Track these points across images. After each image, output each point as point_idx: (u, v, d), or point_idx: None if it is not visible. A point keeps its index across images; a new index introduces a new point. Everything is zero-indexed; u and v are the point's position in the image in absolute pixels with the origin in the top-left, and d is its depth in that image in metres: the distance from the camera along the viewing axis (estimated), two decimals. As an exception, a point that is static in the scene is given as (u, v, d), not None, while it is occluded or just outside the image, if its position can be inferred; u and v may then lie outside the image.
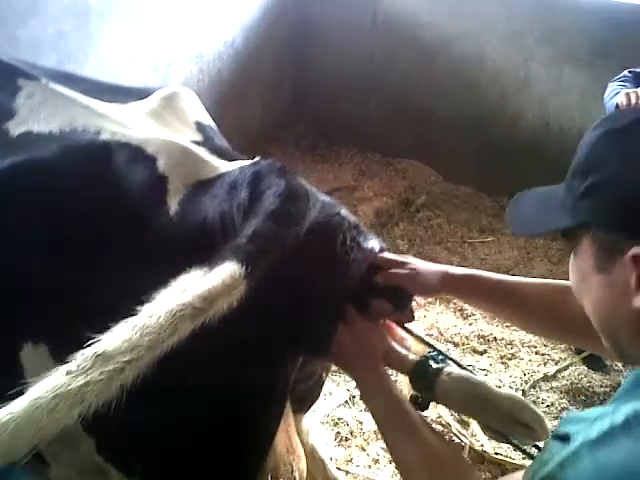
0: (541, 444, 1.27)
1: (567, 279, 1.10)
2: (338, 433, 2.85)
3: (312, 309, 1.24)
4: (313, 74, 5.48)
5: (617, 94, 2.99)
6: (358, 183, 4.96)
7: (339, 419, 2.91)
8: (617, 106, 2.94)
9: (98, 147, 1.37)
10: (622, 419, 0.80)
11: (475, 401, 1.39)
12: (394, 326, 1.48)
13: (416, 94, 5.07)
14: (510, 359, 3.38)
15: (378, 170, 5.19)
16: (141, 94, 1.68)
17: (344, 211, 1.33)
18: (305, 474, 1.58)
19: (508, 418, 1.31)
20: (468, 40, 4.78)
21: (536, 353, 3.44)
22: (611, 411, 0.83)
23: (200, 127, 1.65)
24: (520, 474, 0.95)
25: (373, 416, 1.27)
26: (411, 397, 1.45)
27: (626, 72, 3.15)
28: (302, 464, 1.57)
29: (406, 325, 1.50)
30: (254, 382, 1.22)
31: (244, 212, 1.20)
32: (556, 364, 3.37)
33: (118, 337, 0.93)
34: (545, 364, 3.37)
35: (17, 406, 0.85)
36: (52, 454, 1.23)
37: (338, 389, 3.07)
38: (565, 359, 3.41)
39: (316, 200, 1.27)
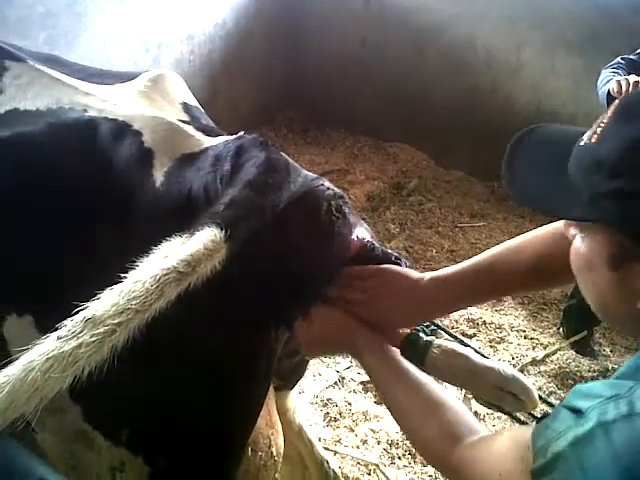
0: (537, 413, 1.27)
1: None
2: (327, 414, 2.86)
3: (297, 276, 1.24)
4: (305, 56, 5.45)
5: (609, 81, 3.00)
6: (350, 166, 4.96)
7: (328, 400, 2.92)
8: (609, 93, 2.95)
9: (85, 123, 1.37)
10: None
11: (463, 373, 1.41)
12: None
13: (408, 78, 5.06)
14: (499, 343, 3.40)
15: (370, 154, 5.19)
16: (127, 77, 1.69)
17: (328, 183, 1.33)
18: (282, 450, 1.58)
19: (495, 389, 1.33)
20: (460, 25, 4.77)
21: (525, 337, 3.46)
22: (627, 391, 0.82)
23: (186, 107, 1.65)
24: (526, 431, 0.95)
25: (366, 369, 1.26)
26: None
27: (619, 59, 3.16)
28: (280, 439, 1.58)
29: None
30: (237, 347, 1.23)
31: (226, 183, 1.22)
32: (545, 348, 3.39)
33: (106, 302, 0.94)
34: (534, 348, 3.39)
35: (11, 370, 0.86)
36: (38, 421, 1.24)
37: (327, 370, 3.08)
38: (554, 344, 3.44)
39: (297, 175, 1.28)
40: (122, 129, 1.35)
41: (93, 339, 0.90)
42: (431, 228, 4.38)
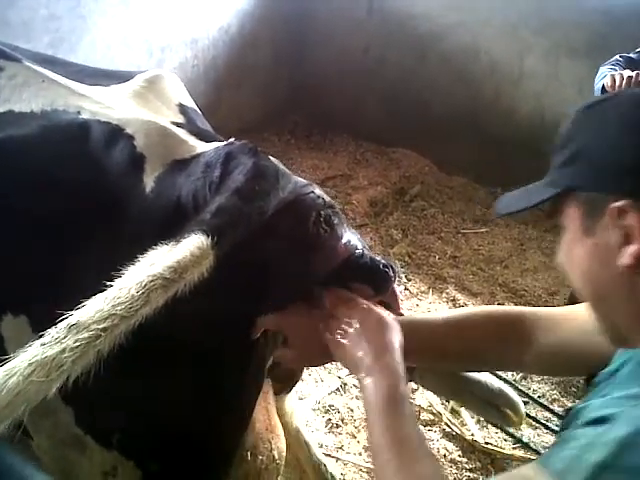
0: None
1: (560, 270, 1.10)
2: (329, 420, 2.84)
3: (281, 284, 1.23)
4: (309, 62, 5.47)
5: (604, 77, 3.00)
6: (352, 172, 4.95)
7: (330, 406, 2.90)
8: (603, 87, 2.96)
9: (77, 126, 1.36)
10: None
11: (450, 385, 1.42)
12: (378, 307, 1.45)
13: (411, 84, 5.06)
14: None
15: (373, 159, 5.18)
16: (124, 77, 1.68)
17: (318, 191, 1.32)
18: (284, 453, 1.57)
19: (481, 402, 1.32)
20: (463, 32, 4.77)
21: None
22: None
23: (182, 109, 1.64)
24: (528, 470, 0.88)
25: (366, 400, 1.14)
26: None
27: (617, 57, 3.16)
28: (281, 443, 1.56)
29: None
30: (225, 352, 1.23)
31: (214, 190, 1.21)
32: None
33: (90, 308, 0.94)
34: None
35: None
36: (31, 425, 1.23)
37: (329, 376, 3.06)
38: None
39: (287, 181, 1.27)
40: (115, 133, 1.35)
41: (77, 344, 0.89)
42: (434, 234, 4.36)
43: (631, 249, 0.88)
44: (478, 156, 4.86)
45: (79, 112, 1.40)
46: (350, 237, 1.33)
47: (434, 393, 1.68)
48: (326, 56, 5.36)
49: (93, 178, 1.28)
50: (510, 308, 1.39)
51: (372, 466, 1.11)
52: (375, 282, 1.33)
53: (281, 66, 5.42)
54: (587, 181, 0.95)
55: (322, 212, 1.27)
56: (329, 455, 2.57)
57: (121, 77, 1.69)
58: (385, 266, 1.35)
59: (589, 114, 1.02)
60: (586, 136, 0.98)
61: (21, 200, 1.27)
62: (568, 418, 0.94)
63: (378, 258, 1.36)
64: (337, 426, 2.82)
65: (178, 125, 1.45)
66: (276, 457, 1.52)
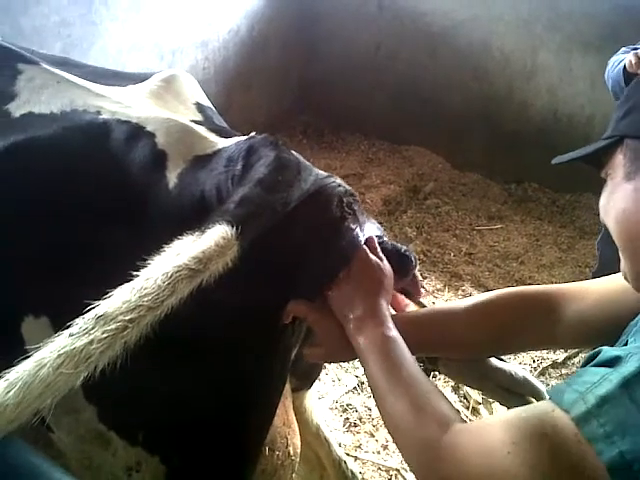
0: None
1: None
2: (347, 419, 2.84)
3: (309, 271, 1.23)
4: (320, 62, 5.46)
5: (621, 62, 2.85)
6: (365, 171, 4.94)
7: (348, 405, 2.90)
8: (624, 69, 2.78)
9: (98, 126, 1.37)
10: None
11: (475, 373, 1.41)
12: (398, 295, 1.44)
13: (423, 81, 5.04)
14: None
15: (385, 158, 5.17)
16: (140, 78, 1.69)
17: (339, 180, 1.33)
18: (299, 449, 1.57)
19: (506, 390, 1.31)
20: (475, 28, 4.75)
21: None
22: None
23: (200, 107, 1.65)
24: (528, 408, 0.91)
25: (363, 359, 1.17)
26: None
27: (623, 49, 3.06)
28: (297, 439, 1.56)
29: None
30: (253, 344, 1.23)
31: (237, 183, 1.22)
32: (565, 351, 3.34)
33: (118, 299, 0.94)
34: (554, 351, 3.34)
35: (22, 367, 0.87)
36: (53, 420, 1.23)
37: (346, 375, 3.06)
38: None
39: (308, 173, 1.27)
40: (135, 131, 1.35)
41: (105, 335, 0.90)
42: (448, 231, 4.34)
43: None
44: (491, 152, 4.84)
45: (99, 112, 1.41)
46: (370, 225, 1.35)
47: (458, 382, 1.68)
48: (337, 54, 5.35)
49: (116, 177, 1.29)
50: (534, 287, 1.39)
51: (379, 414, 1.11)
52: (398, 265, 1.33)
53: (291, 66, 5.42)
54: (636, 129, 1.01)
55: (344, 198, 1.27)
56: (347, 454, 2.57)
57: (137, 78, 1.70)
58: (407, 250, 1.38)
59: None
60: None
61: (45, 202, 1.27)
62: (585, 360, 0.96)
63: (399, 245, 1.37)
64: (355, 425, 2.81)
65: (197, 123, 1.46)
66: (291, 453, 1.52)
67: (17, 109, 1.45)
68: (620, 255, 1.07)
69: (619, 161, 1.04)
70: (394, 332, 1.16)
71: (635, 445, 0.74)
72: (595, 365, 0.86)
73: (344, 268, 1.25)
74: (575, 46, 4.43)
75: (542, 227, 4.40)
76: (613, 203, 1.05)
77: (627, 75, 2.77)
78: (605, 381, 0.80)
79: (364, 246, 1.27)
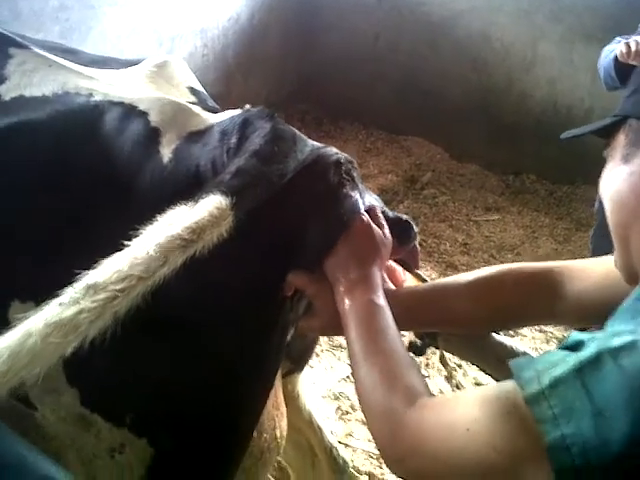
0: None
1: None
2: (339, 407, 2.84)
3: (308, 241, 1.22)
4: (319, 51, 5.45)
5: (612, 51, 2.81)
6: (363, 160, 4.92)
7: (340, 393, 2.90)
8: (616, 59, 2.75)
9: (91, 108, 1.36)
10: None
11: (475, 348, 1.43)
12: (396, 268, 1.44)
13: (422, 72, 5.04)
14: (513, 336, 3.36)
15: (383, 147, 5.17)
16: (132, 63, 1.69)
17: (335, 149, 1.32)
18: (285, 432, 1.56)
19: (503, 364, 1.33)
20: (474, 18, 4.74)
21: (539, 331, 3.43)
22: (631, 330, 0.81)
23: (193, 91, 1.64)
24: (496, 386, 0.91)
25: (345, 321, 1.16)
26: (410, 343, 1.46)
27: (617, 38, 3.03)
28: (284, 422, 1.55)
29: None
30: (250, 320, 1.21)
31: (232, 155, 1.21)
32: (559, 342, 3.35)
33: (108, 269, 0.93)
34: (548, 342, 3.36)
35: (10, 336, 0.86)
36: (36, 397, 1.23)
37: (339, 363, 3.07)
38: (568, 337, 3.39)
39: (305, 144, 1.27)
40: (128, 111, 1.34)
41: (94, 305, 0.89)
42: (445, 221, 4.34)
43: None
44: (490, 143, 4.83)
45: (91, 94, 1.39)
46: (368, 194, 1.34)
47: (459, 357, 1.71)
48: (336, 44, 5.34)
49: (110, 156, 1.28)
50: (536, 264, 1.39)
51: (353, 380, 1.11)
52: (399, 233, 1.33)
53: (291, 55, 5.40)
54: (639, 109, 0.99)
55: (342, 166, 1.26)
56: (339, 442, 2.57)
57: (129, 63, 1.69)
58: (408, 219, 1.37)
59: None
60: None
61: (37, 184, 1.26)
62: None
63: (399, 215, 1.37)
64: (347, 413, 2.82)
65: (191, 103, 1.45)
66: (278, 436, 1.51)
67: (7, 92, 1.44)
68: (613, 243, 1.06)
69: (620, 141, 1.03)
70: (382, 301, 1.15)
71: (577, 430, 0.75)
72: (560, 348, 0.87)
73: (343, 234, 1.23)
74: (577, 37, 4.42)
75: (539, 219, 4.41)
76: (610, 185, 1.04)
77: (618, 65, 2.74)
78: (562, 363, 0.80)
79: (364, 212, 1.26)
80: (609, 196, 1.04)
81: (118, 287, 0.92)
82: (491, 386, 0.95)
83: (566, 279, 1.30)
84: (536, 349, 3.29)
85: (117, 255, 0.96)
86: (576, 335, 0.87)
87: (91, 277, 0.92)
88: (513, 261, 3.94)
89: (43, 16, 3.30)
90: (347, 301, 1.16)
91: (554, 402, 0.78)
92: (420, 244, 4.15)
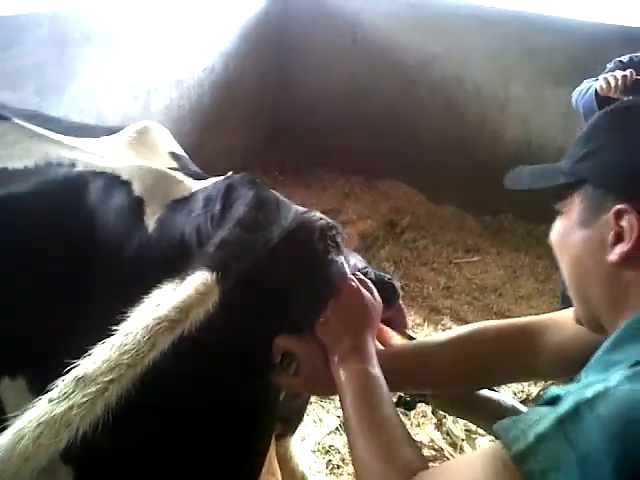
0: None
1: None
2: (329, 461, 2.80)
3: (295, 308, 1.22)
4: (295, 98, 5.49)
5: (590, 87, 2.93)
6: (342, 206, 4.95)
7: (330, 447, 2.86)
8: (596, 93, 2.87)
9: (73, 179, 1.37)
10: (616, 381, 0.81)
11: (464, 404, 1.44)
12: (384, 327, 1.43)
13: (397, 115, 5.09)
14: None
15: (361, 193, 5.20)
16: (112, 130, 1.70)
17: (320, 214, 1.32)
18: None
19: (495, 419, 1.33)
20: (448, 60, 4.83)
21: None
22: (602, 379, 0.84)
23: (174, 156, 1.66)
24: (494, 446, 0.91)
25: (341, 392, 1.16)
26: (399, 398, 1.47)
27: (586, 80, 3.11)
28: None
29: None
30: (241, 390, 1.21)
31: (216, 224, 1.21)
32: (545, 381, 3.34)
33: (97, 358, 0.93)
34: (536, 383, 3.34)
35: (1, 440, 0.85)
36: None
37: (328, 416, 3.02)
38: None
39: (287, 210, 1.27)
40: (111, 181, 1.35)
41: (85, 399, 0.88)
42: (426, 265, 4.35)
43: (620, 248, 0.96)
44: (466, 184, 4.87)
45: (73, 164, 1.40)
46: (353, 257, 1.35)
47: (448, 414, 1.70)
48: (312, 91, 5.39)
49: (94, 227, 1.28)
50: (513, 320, 1.43)
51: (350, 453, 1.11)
52: (384, 293, 1.33)
53: (267, 103, 5.45)
54: (600, 178, 1.01)
55: (326, 231, 1.27)
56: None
57: (110, 130, 1.70)
58: (391, 279, 1.39)
59: (619, 116, 1.08)
60: (610, 136, 1.04)
61: (23, 257, 1.26)
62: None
63: (382, 274, 1.39)
64: (338, 467, 2.77)
65: (173, 169, 1.46)
66: (276, 500, 1.50)
67: (-11, 165, 1.44)
68: (573, 295, 1.10)
69: (577, 204, 1.05)
70: (376, 370, 1.16)
71: (568, 479, 0.77)
72: (540, 404, 0.89)
73: (331, 299, 1.23)
74: (546, 77, 4.51)
75: (519, 258, 4.44)
76: (569, 247, 1.07)
77: (599, 99, 2.84)
78: (544, 419, 0.82)
79: (352, 277, 1.27)
80: (567, 259, 1.08)
81: (108, 378, 0.91)
82: (480, 450, 0.97)
83: (545, 333, 1.33)
84: (522, 391, 3.27)
85: (106, 342, 0.95)
86: (553, 390, 0.89)
87: (80, 369, 0.91)
88: (496, 302, 3.97)
89: (19, 75, 3.29)
90: (342, 371, 1.16)
91: (540, 457, 0.80)
92: (403, 288, 4.14)
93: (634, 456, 0.74)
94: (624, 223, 0.95)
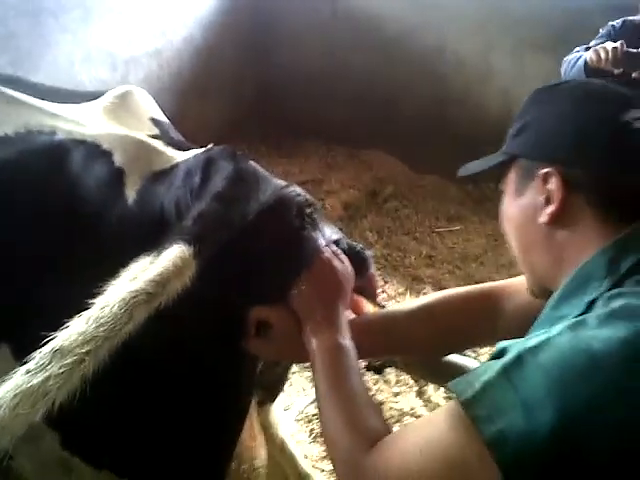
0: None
1: None
2: (312, 430, 2.83)
3: (268, 282, 1.24)
4: (275, 68, 5.45)
5: (581, 57, 2.92)
6: (324, 176, 4.93)
7: (313, 415, 2.88)
8: (586, 64, 2.87)
9: (54, 147, 1.36)
10: (557, 330, 0.87)
11: (433, 370, 1.50)
12: (356, 297, 1.45)
13: (379, 85, 5.06)
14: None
15: (344, 163, 5.18)
16: (93, 96, 1.68)
17: (299, 189, 1.33)
18: (264, 462, 1.58)
19: None
20: (429, 32, 4.80)
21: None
22: (544, 332, 0.89)
23: (155, 122, 1.65)
24: (449, 403, 0.94)
25: (312, 361, 1.20)
26: (368, 363, 1.54)
27: (577, 48, 3.11)
28: (262, 451, 1.57)
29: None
30: (218, 360, 1.23)
31: (195, 196, 1.22)
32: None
33: (73, 331, 0.94)
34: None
35: None
36: (13, 449, 1.22)
37: (310, 385, 3.05)
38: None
39: (267, 185, 1.28)
40: (92, 150, 1.35)
41: (62, 370, 0.90)
42: (408, 234, 4.37)
43: (549, 209, 1.03)
44: (448, 154, 4.83)
45: (54, 132, 1.40)
46: (328, 229, 1.36)
47: (420, 379, 1.74)
48: (292, 62, 5.35)
49: (75, 197, 1.28)
50: (476, 286, 1.48)
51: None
52: (354, 263, 1.34)
53: (247, 73, 5.39)
54: (527, 149, 1.10)
55: (303, 208, 1.28)
56: (313, 466, 2.56)
57: (90, 96, 1.69)
58: (362, 249, 1.41)
59: (545, 93, 1.16)
60: (536, 111, 1.13)
61: (4, 225, 1.26)
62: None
63: (354, 243, 1.40)
64: (320, 435, 2.79)
65: (154, 137, 1.46)
66: (257, 466, 1.53)
67: (-33, 133, 1.43)
68: (520, 263, 1.18)
69: (511, 177, 1.14)
70: (347, 340, 1.20)
71: (510, 423, 0.81)
72: (490, 358, 0.93)
73: (304, 271, 1.25)
74: (527, 48, 4.49)
75: (500, 227, 4.44)
76: (510, 218, 1.15)
77: (588, 70, 2.83)
78: (489, 369, 0.87)
79: (325, 249, 1.28)
80: (511, 232, 1.16)
81: (84, 350, 0.92)
82: (438, 408, 1.03)
83: (505, 297, 1.39)
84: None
85: (83, 315, 0.96)
86: (501, 344, 0.93)
87: (57, 341, 0.92)
88: (478, 271, 4.00)
89: (-8, 46, 3.24)
90: (313, 342, 1.20)
91: (487, 402, 0.84)
92: (385, 258, 4.18)
93: (573, 399, 0.79)
94: (551, 186, 1.03)
